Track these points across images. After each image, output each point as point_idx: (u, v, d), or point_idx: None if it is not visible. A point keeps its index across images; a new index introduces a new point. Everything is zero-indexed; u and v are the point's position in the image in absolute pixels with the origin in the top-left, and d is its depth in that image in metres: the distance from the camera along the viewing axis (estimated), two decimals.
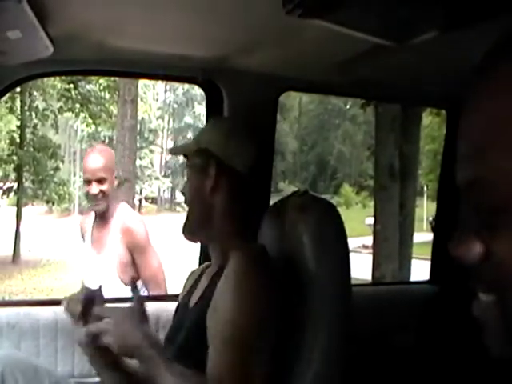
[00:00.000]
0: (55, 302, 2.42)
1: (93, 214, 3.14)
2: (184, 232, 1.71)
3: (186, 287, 1.85)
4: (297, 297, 1.52)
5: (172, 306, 2.26)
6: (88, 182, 2.99)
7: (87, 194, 3.02)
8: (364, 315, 1.60)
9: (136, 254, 2.99)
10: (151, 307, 2.25)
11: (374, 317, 2.42)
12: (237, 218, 1.68)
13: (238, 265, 1.46)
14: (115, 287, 2.91)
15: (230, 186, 1.67)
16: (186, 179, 1.78)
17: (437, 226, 2.88)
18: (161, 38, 1.89)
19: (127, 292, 2.85)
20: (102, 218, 3.05)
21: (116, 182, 3.08)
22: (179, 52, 2.03)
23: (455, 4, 1.41)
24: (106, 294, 2.80)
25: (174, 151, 2.06)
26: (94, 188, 2.95)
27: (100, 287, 1.71)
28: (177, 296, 2.37)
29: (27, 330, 2.15)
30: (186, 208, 1.74)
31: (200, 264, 2.30)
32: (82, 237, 3.19)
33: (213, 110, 2.33)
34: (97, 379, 1.77)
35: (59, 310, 2.17)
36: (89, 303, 1.59)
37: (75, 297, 1.63)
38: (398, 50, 1.75)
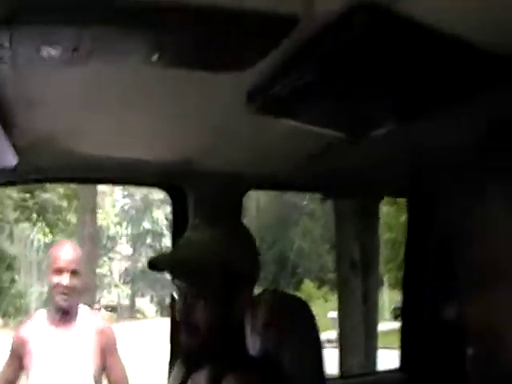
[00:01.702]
0: None
1: (41, 317, 2.93)
2: (188, 360, 1.60)
3: (173, 382, 1.73)
4: None
5: None
6: (59, 272, 2.79)
7: (55, 287, 2.81)
8: None
9: (108, 355, 2.88)
10: None
11: None
12: (240, 332, 1.58)
13: None
14: None
15: (245, 306, 1.54)
16: (180, 299, 1.53)
17: (403, 314, 2.87)
18: (125, 144, 1.91)
19: None
20: (65, 317, 2.84)
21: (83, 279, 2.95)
22: (143, 157, 2.04)
23: (408, 97, 1.47)
24: None
25: (174, 275, 1.59)
26: (67, 279, 2.78)
27: None
28: None
29: None
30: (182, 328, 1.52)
31: (170, 366, 2.23)
32: (20, 351, 2.87)
33: (178, 213, 2.33)
34: None
35: None
36: None
37: None
38: (357, 145, 1.79)
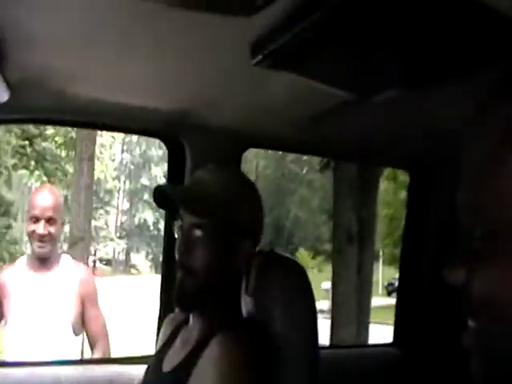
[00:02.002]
0: (4, 364, 2.31)
1: (22, 262, 2.93)
2: (182, 301, 1.53)
3: (162, 338, 1.74)
4: (268, 361, 1.44)
5: (129, 370, 2.17)
6: (35, 220, 2.79)
7: (31, 234, 2.80)
8: (324, 379, 1.53)
9: (88, 306, 2.85)
10: (106, 370, 2.20)
11: (335, 381, 2.33)
12: (224, 282, 1.55)
13: (224, 355, 1.35)
14: (64, 337, 2.79)
15: (246, 258, 1.53)
16: (182, 239, 1.52)
17: (400, 289, 2.84)
18: (125, 88, 1.84)
19: (74, 342, 2.81)
20: (44, 263, 2.84)
21: (62, 228, 2.95)
22: (143, 104, 1.98)
23: (421, 63, 1.41)
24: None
25: (184, 206, 1.56)
26: (42, 227, 2.77)
27: None
28: (132, 358, 2.29)
29: None
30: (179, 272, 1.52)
31: (159, 323, 2.21)
32: (0, 290, 2.87)
33: (175, 165, 2.28)
34: None
35: (8, 372, 2.09)
36: None
37: None
38: (364, 107, 1.74)
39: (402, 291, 2.82)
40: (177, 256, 1.52)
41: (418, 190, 2.71)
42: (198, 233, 1.48)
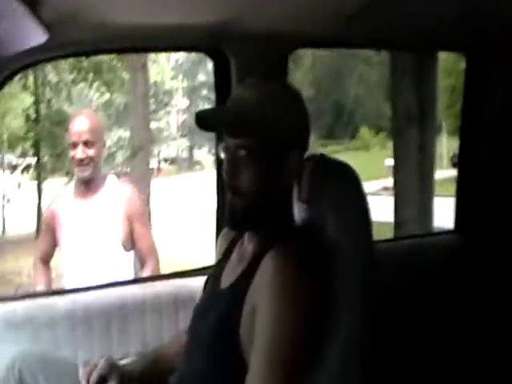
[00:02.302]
0: (70, 291, 2.39)
1: (68, 190, 2.99)
2: (233, 222, 1.54)
3: (219, 252, 1.77)
4: (323, 271, 1.45)
5: (190, 282, 2.25)
6: (74, 145, 2.82)
7: (72, 160, 2.85)
8: (387, 272, 1.54)
9: (135, 224, 2.89)
10: (168, 285, 2.28)
11: (398, 273, 2.36)
12: (287, 200, 1.55)
13: (278, 275, 1.36)
14: (117, 256, 2.87)
15: (294, 170, 1.51)
16: (228, 160, 1.50)
17: (460, 171, 2.78)
18: (163, 8, 1.79)
19: (127, 260, 2.90)
20: (89, 186, 2.89)
21: (103, 150, 2.96)
22: (182, 20, 1.94)
23: None
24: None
25: (226, 129, 1.52)
26: (80, 152, 2.80)
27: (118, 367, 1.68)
28: (194, 271, 2.35)
29: (44, 321, 2.10)
30: (229, 194, 1.51)
31: (218, 224, 2.29)
32: (52, 225, 2.97)
33: (220, 77, 2.26)
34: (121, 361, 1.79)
35: (75, 298, 2.19)
36: (103, 380, 1.62)
37: (93, 367, 1.64)
38: None
39: (463, 175, 2.77)
40: (225, 177, 1.51)
41: (475, 75, 2.62)
42: (242, 153, 1.46)
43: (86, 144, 2.81)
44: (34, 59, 2.02)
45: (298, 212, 1.57)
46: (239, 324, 1.42)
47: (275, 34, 2.09)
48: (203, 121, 1.49)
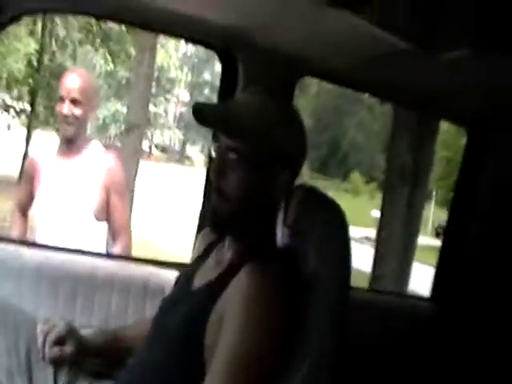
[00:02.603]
0: (44, 246, 2.38)
1: (54, 146, 2.91)
2: (214, 224, 1.51)
3: (196, 251, 1.75)
4: (297, 296, 1.44)
5: (162, 273, 2.24)
6: (61, 100, 2.75)
7: (59, 115, 2.79)
8: (359, 322, 1.52)
9: (113, 196, 2.82)
10: (140, 269, 2.25)
11: (370, 326, 2.35)
12: (271, 217, 1.54)
13: (252, 287, 1.34)
14: (87, 224, 2.80)
15: (282, 188, 1.50)
16: (217, 160, 1.48)
17: (445, 243, 2.78)
18: None
19: (98, 231, 2.83)
20: (71, 146, 2.82)
21: (91, 113, 2.86)
22: (202, 15, 1.92)
23: (491, 22, 1.31)
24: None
25: (220, 126, 1.51)
26: (66, 108, 2.73)
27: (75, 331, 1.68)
28: (167, 263, 2.33)
29: (11, 269, 2.07)
30: (214, 195, 1.49)
31: (200, 223, 2.26)
32: (31, 175, 2.90)
33: (227, 79, 2.23)
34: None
35: (46, 255, 2.16)
36: (61, 342, 1.63)
37: (53, 327, 1.65)
38: (428, 59, 1.66)
39: (447, 245, 2.77)
40: (211, 177, 1.50)
41: (475, 149, 2.63)
42: (232, 156, 1.44)
43: (74, 102, 2.74)
44: (43, 6, 1.99)
45: (281, 236, 1.56)
46: (205, 328, 1.39)
47: (287, 55, 2.09)
48: (200, 113, 1.46)
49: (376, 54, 1.79)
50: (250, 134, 1.44)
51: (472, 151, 2.68)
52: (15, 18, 1.95)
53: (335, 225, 1.48)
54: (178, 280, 1.72)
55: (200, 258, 1.67)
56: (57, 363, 1.63)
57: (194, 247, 1.83)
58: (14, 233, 2.99)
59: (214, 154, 1.50)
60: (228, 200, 1.45)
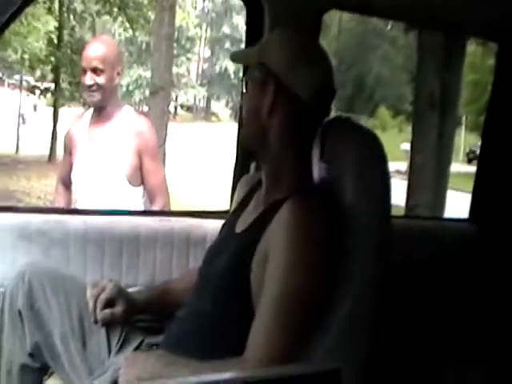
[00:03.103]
0: (86, 212, 2.42)
1: (87, 116, 2.97)
2: (241, 144, 1.67)
3: (236, 200, 1.80)
4: (338, 229, 1.46)
5: (204, 223, 2.27)
6: (84, 71, 2.80)
7: (83, 85, 2.82)
8: (397, 248, 1.56)
9: (146, 159, 2.84)
10: (182, 221, 2.29)
11: (407, 252, 2.32)
12: (294, 147, 1.54)
13: (294, 219, 1.38)
14: (122, 188, 2.84)
15: (288, 111, 1.51)
16: (244, 90, 1.61)
17: (480, 163, 2.76)
18: None
19: (134, 195, 2.87)
20: (101, 114, 2.87)
21: (117, 79, 2.87)
22: None
23: None
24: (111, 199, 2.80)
25: (234, 58, 1.74)
26: (88, 78, 2.78)
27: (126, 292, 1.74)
28: (208, 213, 2.37)
29: (57, 238, 2.12)
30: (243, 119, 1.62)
31: (234, 176, 2.27)
32: (70, 146, 2.99)
33: (252, 23, 2.24)
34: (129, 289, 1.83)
35: (89, 220, 2.20)
36: (110, 303, 1.68)
37: (102, 289, 1.69)
38: None
39: (482, 166, 2.75)
40: (243, 111, 1.61)
41: (507, 62, 2.58)
42: (247, 86, 1.58)
43: (95, 71, 2.77)
44: None
45: (319, 171, 1.59)
46: (250, 268, 1.43)
47: None
48: (235, 55, 1.67)
49: None
50: (278, 73, 1.50)
51: (502, 70, 2.63)
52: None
53: (372, 155, 1.50)
54: (221, 230, 1.77)
55: (240, 207, 1.72)
56: (109, 325, 1.68)
57: (232, 196, 1.88)
58: (59, 205, 3.07)
59: (245, 91, 1.61)
60: (244, 126, 1.63)
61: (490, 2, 2.06)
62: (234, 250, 1.52)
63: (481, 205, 2.70)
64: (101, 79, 2.78)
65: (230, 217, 1.74)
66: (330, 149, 1.55)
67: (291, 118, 1.52)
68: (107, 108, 2.85)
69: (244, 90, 1.61)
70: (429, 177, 6.22)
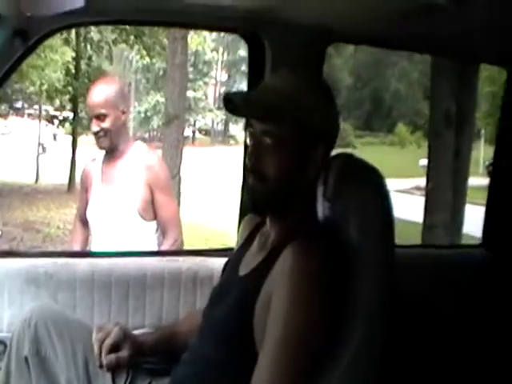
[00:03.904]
0: (92, 254, 2.42)
1: (101, 154, 2.99)
2: (256, 206, 1.55)
3: (241, 237, 1.79)
4: (342, 269, 1.44)
5: (211, 262, 2.25)
6: (90, 119, 2.87)
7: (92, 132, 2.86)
8: (410, 277, 1.51)
9: (157, 193, 2.85)
10: (189, 261, 2.27)
11: (421, 280, 2.32)
12: (304, 189, 1.54)
13: (297, 264, 1.37)
14: (135, 224, 2.85)
15: (319, 165, 1.51)
16: (253, 145, 1.51)
17: (491, 190, 2.72)
18: None
19: (147, 230, 2.87)
20: (112, 155, 2.89)
21: (123, 118, 2.88)
22: (223, 2, 1.94)
23: None
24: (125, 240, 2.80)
25: (236, 110, 1.54)
26: (94, 125, 2.81)
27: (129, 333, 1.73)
28: (216, 251, 2.36)
29: (64, 281, 2.12)
30: (252, 175, 1.52)
31: (241, 209, 2.27)
32: (85, 184, 3.03)
33: (255, 62, 2.23)
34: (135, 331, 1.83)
35: (96, 262, 2.19)
36: (116, 348, 1.67)
37: (107, 333, 1.68)
38: (460, 7, 1.63)
39: (494, 188, 2.72)
40: (248, 162, 1.52)
41: None
42: (268, 140, 1.47)
43: (99, 117, 2.81)
44: (71, 22, 2.03)
45: (322, 209, 1.57)
46: (253, 312, 1.42)
47: (312, 25, 2.07)
48: (231, 103, 1.49)
49: (406, 9, 1.76)
50: (284, 117, 1.47)
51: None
52: (46, 37, 2.00)
53: (376, 194, 1.48)
54: (224, 269, 1.76)
55: (244, 245, 1.70)
56: (114, 369, 1.66)
57: (238, 234, 1.85)
58: (76, 243, 3.09)
59: (248, 140, 1.53)
60: (266, 181, 1.49)
61: (501, 33, 2.02)
62: (237, 295, 1.51)
63: (493, 231, 2.67)
64: (106, 124, 2.80)
65: (234, 256, 1.73)
66: (334, 186, 1.53)
67: (319, 170, 1.53)
68: (118, 147, 2.88)
69: (251, 141, 1.53)
70: (446, 194, 6.18)
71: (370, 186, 1.50)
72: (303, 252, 1.39)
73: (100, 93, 2.84)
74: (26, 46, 1.92)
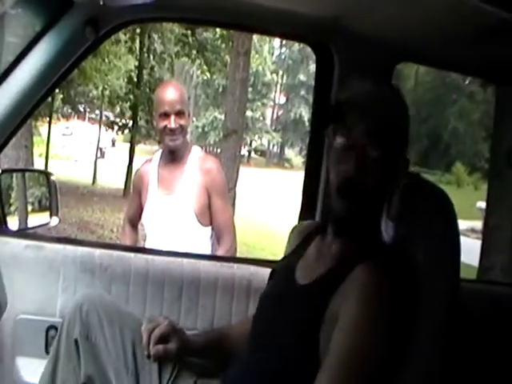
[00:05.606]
0: (148, 251, 2.43)
1: (156, 157, 3.02)
2: (344, 227, 1.50)
3: (290, 246, 1.78)
4: (410, 291, 1.42)
5: (265, 272, 2.20)
6: (166, 115, 2.82)
7: (163, 130, 2.84)
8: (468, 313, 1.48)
9: (214, 197, 2.86)
10: (243, 269, 2.25)
11: (479, 317, 2.20)
12: (375, 206, 1.53)
13: (370, 284, 1.37)
14: (192, 229, 2.86)
15: (401, 180, 1.52)
16: (351, 160, 1.45)
17: None
18: None
19: (202, 235, 2.88)
20: (175, 156, 2.90)
21: (189, 120, 2.93)
22: (293, 8, 1.93)
23: None
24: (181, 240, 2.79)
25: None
26: (173, 121, 2.81)
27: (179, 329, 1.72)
28: (272, 262, 2.29)
29: (119, 274, 2.13)
30: (344, 198, 1.47)
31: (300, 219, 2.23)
32: (140, 187, 3.03)
33: (322, 74, 2.22)
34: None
35: (151, 259, 2.19)
36: (164, 339, 1.66)
37: (157, 324, 1.67)
38: None
39: None
40: (342, 177, 1.46)
41: None
42: (373, 152, 1.43)
43: (178, 114, 2.82)
44: (142, 16, 2.04)
45: (386, 229, 1.54)
46: (321, 324, 1.41)
47: (383, 41, 2.05)
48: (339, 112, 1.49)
49: (479, 31, 1.71)
50: (394, 139, 1.47)
51: None
52: (114, 30, 2.02)
53: (444, 218, 1.46)
54: (273, 275, 1.74)
55: (296, 252, 1.69)
56: (161, 360, 1.66)
57: (287, 243, 1.84)
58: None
59: (342, 152, 1.47)
60: (360, 195, 1.45)
61: None
62: (303, 304, 1.49)
63: None
64: (183, 121, 2.84)
65: (284, 262, 1.72)
66: (399, 206, 1.50)
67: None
68: (181, 150, 2.90)
69: (346, 154, 1.47)
70: (505, 237, 5.99)
71: (438, 209, 1.47)
72: (376, 273, 1.39)
73: (176, 91, 2.87)
74: (95, 37, 1.94)
